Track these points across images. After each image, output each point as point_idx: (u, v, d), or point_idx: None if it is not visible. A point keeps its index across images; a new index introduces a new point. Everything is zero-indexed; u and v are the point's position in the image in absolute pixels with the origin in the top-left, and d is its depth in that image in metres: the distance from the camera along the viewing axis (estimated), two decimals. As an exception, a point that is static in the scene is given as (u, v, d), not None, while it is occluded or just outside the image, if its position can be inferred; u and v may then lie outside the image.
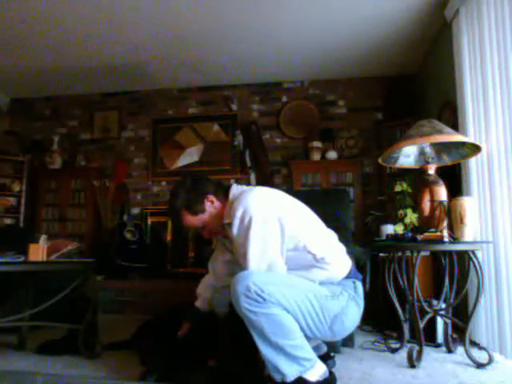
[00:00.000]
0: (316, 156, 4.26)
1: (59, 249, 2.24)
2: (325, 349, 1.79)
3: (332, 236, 1.70)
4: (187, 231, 1.55)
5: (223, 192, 1.68)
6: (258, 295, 1.36)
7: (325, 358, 1.69)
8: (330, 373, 1.47)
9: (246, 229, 1.46)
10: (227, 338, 1.69)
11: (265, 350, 1.38)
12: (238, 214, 1.48)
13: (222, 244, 1.88)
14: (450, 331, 2.17)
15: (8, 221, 4.57)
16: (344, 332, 1.58)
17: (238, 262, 1.81)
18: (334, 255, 1.60)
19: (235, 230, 1.49)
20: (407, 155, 2.31)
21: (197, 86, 4.73)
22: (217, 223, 1.66)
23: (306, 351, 1.41)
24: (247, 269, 1.46)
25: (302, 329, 1.44)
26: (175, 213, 1.65)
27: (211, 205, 1.64)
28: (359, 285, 1.63)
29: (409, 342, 2.14)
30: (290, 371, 1.37)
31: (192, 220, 1.64)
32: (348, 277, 1.61)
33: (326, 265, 1.55)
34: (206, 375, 1.59)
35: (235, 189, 1.66)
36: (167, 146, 4.72)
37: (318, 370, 1.42)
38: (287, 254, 1.53)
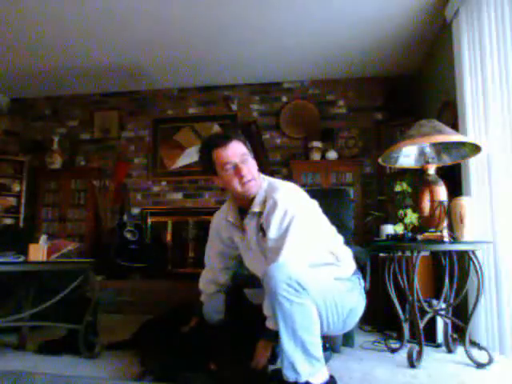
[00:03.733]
0: (316, 156, 4.25)
1: (59, 249, 2.25)
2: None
3: (339, 237, 1.81)
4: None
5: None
6: (299, 284, 1.40)
7: None
8: (331, 376, 1.48)
9: (287, 226, 1.54)
10: (227, 341, 1.69)
11: (287, 344, 1.39)
12: (280, 209, 1.54)
13: (218, 235, 1.88)
14: (450, 331, 2.17)
15: (8, 221, 4.57)
16: (352, 325, 1.72)
17: (232, 256, 1.90)
18: (346, 254, 1.75)
19: (274, 223, 1.55)
20: (407, 155, 2.31)
21: (197, 86, 4.73)
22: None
23: (320, 350, 1.44)
24: (277, 261, 1.48)
25: (321, 323, 1.49)
26: (236, 132, 1.70)
27: (254, 163, 1.70)
28: (362, 281, 1.77)
29: (409, 341, 2.13)
30: (303, 371, 1.38)
31: (242, 149, 1.67)
32: (354, 274, 1.74)
33: (341, 263, 1.69)
34: (205, 375, 1.58)
35: (263, 179, 1.72)
36: (167, 145, 4.72)
37: (322, 375, 1.43)
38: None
